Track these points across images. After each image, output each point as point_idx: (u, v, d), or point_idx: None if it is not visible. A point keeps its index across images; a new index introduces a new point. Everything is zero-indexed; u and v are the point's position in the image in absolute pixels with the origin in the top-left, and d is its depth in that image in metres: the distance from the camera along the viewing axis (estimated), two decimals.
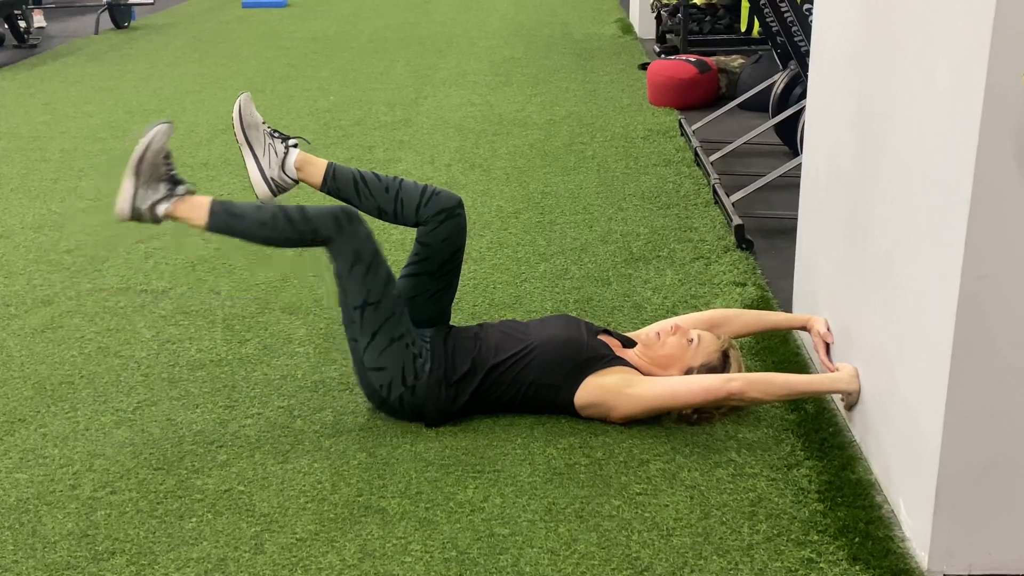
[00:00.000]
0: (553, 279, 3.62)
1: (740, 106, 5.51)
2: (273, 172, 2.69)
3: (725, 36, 7.38)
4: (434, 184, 2.79)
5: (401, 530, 2.27)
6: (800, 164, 3.25)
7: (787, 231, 3.71)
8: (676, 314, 3.25)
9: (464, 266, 3.00)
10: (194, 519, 2.33)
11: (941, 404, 1.99)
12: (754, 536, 2.23)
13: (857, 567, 2.13)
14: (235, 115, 2.69)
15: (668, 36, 7.53)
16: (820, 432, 2.60)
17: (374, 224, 2.74)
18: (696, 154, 4.86)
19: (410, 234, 3.15)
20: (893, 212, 2.27)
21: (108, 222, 4.27)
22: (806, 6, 4.58)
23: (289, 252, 3.88)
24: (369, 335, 2.62)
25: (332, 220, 2.60)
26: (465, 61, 7.55)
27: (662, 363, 2.70)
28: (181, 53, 8.14)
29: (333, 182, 2.72)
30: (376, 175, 2.75)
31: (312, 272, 3.70)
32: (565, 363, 2.64)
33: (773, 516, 2.29)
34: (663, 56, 7.12)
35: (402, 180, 2.75)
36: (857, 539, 2.20)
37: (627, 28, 8.71)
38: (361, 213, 2.67)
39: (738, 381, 2.53)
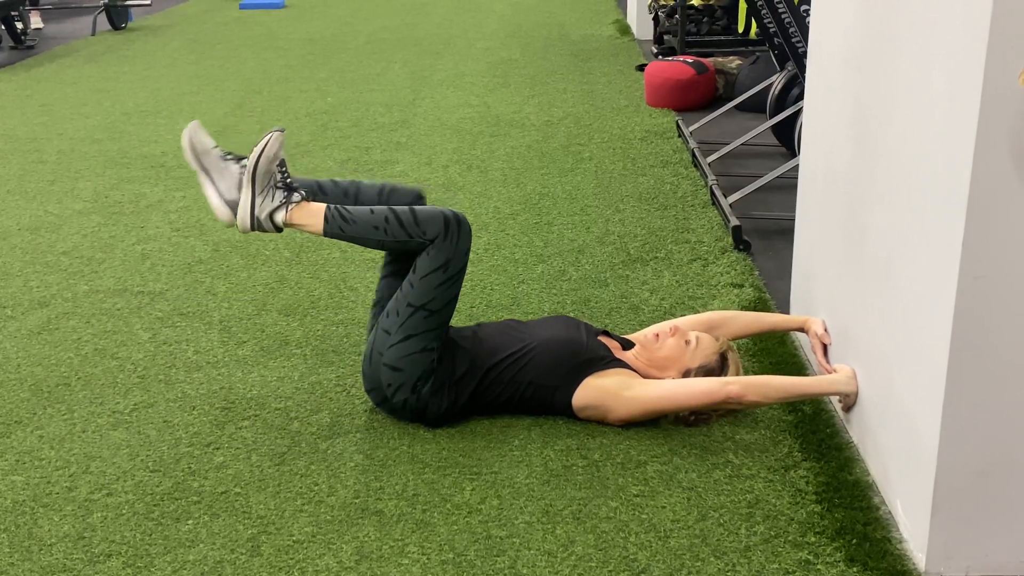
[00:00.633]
0: (551, 280, 3.61)
1: (738, 107, 5.51)
2: (231, 194, 2.66)
3: (723, 37, 7.38)
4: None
5: (398, 532, 2.27)
6: (798, 165, 3.25)
7: (784, 232, 3.71)
8: (674, 315, 3.25)
9: None
10: (191, 521, 2.32)
11: (939, 405, 1.99)
12: (751, 537, 2.22)
13: (854, 568, 2.12)
14: (185, 145, 2.67)
15: (666, 37, 7.53)
16: (818, 433, 2.60)
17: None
18: (694, 155, 4.86)
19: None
20: (890, 213, 2.27)
21: (105, 223, 4.27)
22: (803, 7, 4.58)
23: (286, 254, 3.89)
24: (404, 335, 2.61)
25: (442, 224, 2.59)
26: (462, 62, 7.55)
27: (660, 365, 2.69)
28: (178, 54, 8.14)
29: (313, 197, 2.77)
30: (333, 181, 2.79)
31: (308, 274, 3.71)
32: (564, 363, 2.64)
33: (770, 517, 2.29)
34: (661, 57, 7.12)
35: (360, 182, 2.78)
36: (854, 540, 2.20)
37: (624, 29, 8.71)
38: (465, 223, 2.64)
39: (736, 384, 2.53)
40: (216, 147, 2.68)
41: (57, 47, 8.56)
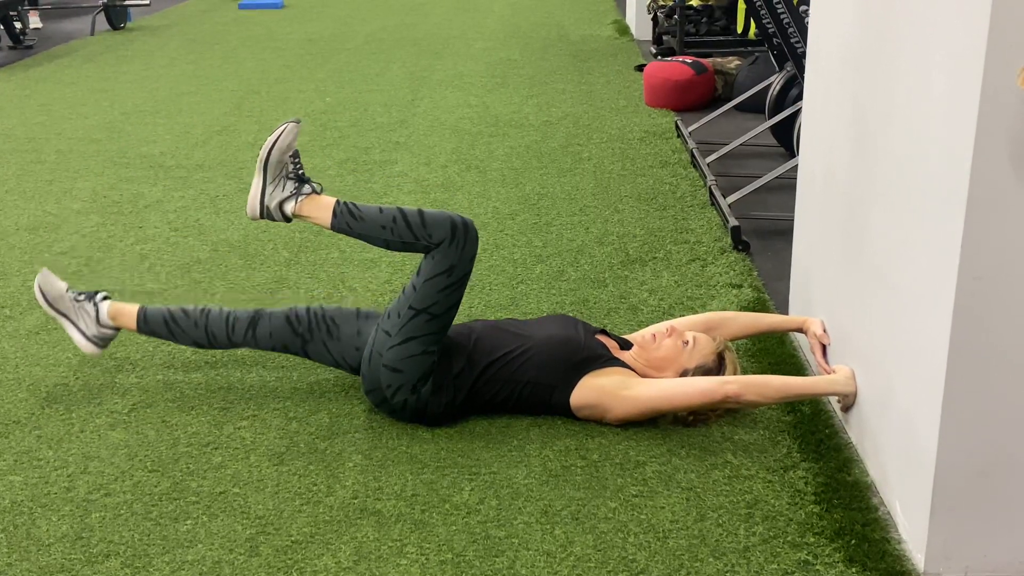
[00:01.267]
0: (549, 281, 3.61)
1: (736, 107, 5.50)
2: (91, 330, 2.84)
3: (721, 38, 7.38)
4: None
5: (397, 532, 2.27)
6: (796, 166, 3.25)
7: (783, 233, 3.71)
8: (672, 316, 3.25)
9: None
10: (189, 521, 2.32)
11: (937, 405, 1.99)
12: (750, 538, 2.22)
13: (853, 569, 2.12)
14: (38, 295, 2.84)
15: (664, 38, 7.53)
16: (816, 434, 2.60)
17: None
18: (692, 155, 4.86)
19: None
20: (889, 213, 2.27)
21: (103, 223, 4.27)
22: (802, 7, 4.58)
23: (285, 254, 3.88)
24: (405, 337, 2.60)
25: (449, 228, 2.59)
26: (461, 63, 7.55)
27: (658, 365, 2.69)
28: (177, 54, 8.13)
29: (145, 325, 2.83)
30: (184, 310, 2.82)
31: (307, 274, 3.70)
32: (562, 363, 2.64)
33: (769, 518, 2.29)
34: (659, 58, 7.12)
35: (209, 311, 2.81)
36: (853, 541, 2.20)
37: (623, 30, 8.71)
38: (471, 228, 2.64)
39: (734, 384, 2.53)
40: (68, 289, 2.85)
41: (56, 47, 8.56)
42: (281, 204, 2.65)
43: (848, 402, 2.57)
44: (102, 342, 2.86)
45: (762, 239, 3.94)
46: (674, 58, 6.33)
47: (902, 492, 2.22)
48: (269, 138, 2.64)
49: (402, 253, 3.15)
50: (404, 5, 10.64)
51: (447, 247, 2.58)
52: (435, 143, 5.39)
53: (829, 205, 2.78)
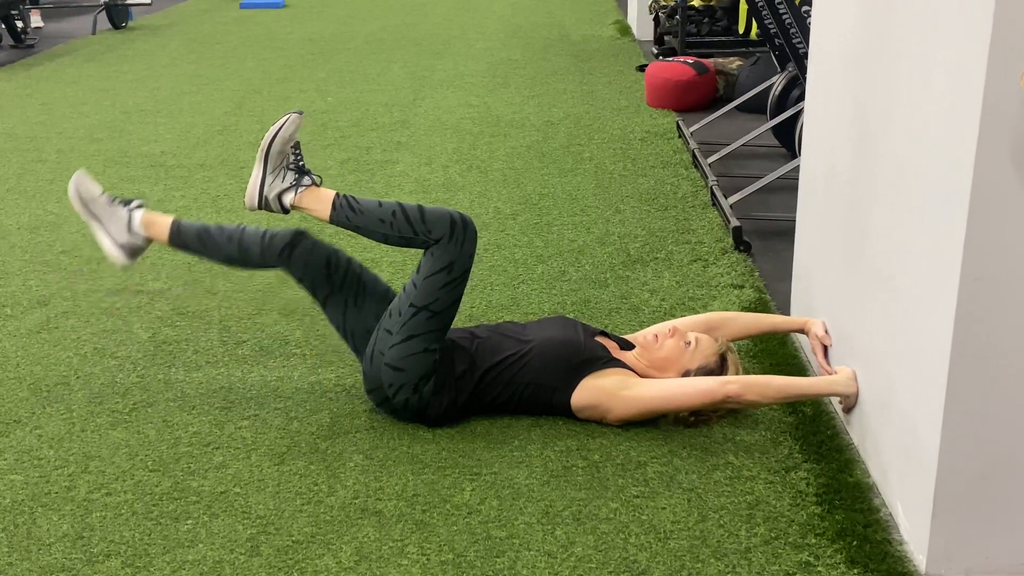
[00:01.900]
0: (551, 281, 3.61)
1: (738, 108, 5.51)
2: (122, 237, 2.77)
3: (723, 38, 7.38)
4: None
5: (398, 533, 2.26)
6: (798, 166, 3.25)
7: (785, 233, 3.70)
8: (674, 316, 3.24)
9: None
10: (190, 521, 2.32)
11: (939, 407, 1.99)
12: (752, 539, 2.22)
13: (855, 570, 2.12)
14: (73, 195, 2.80)
15: (666, 38, 7.53)
16: (818, 435, 2.60)
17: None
18: (694, 156, 4.85)
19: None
20: (891, 214, 2.27)
21: None
22: (804, 8, 4.58)
23: None
24: (406, 335, 2.60)
25: (449, 224, 2.58)
26: (462, 63, 7.54)
27: (659, 365, 2.69)
28: (178, 54, 8.14)
29: (178, 237, 2.76)
30: (220, 226, 2.76)
31: None
32: (562, 364, 2.64)
33: (771, 519, 2.28)
34: (661, 58, 7.11)
35: (244, 227, 2.75)
36: (855, 542, 2.19)
37: (625, 30, 8.71)
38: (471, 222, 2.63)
39: (735, 384, 2.53)
40: (103, 193, 2.78)
41: (57, 46, 8.56)
42: (280, 195, 2.64)
43: (849, 403, 2.57)
44: (130, 251, 2.78)
45: (763, 240, 3.94)
46: (676, 58, 6.33)
47: (903, 493, 2.22)
48: (271, 128, 2.64)
49: (402, 251, 3.15)
50: (405, 5, 10.64)
51: (446, 243, 2.58)
52: (436, 143, 5.39)
53: (831, 206, 2.77)
